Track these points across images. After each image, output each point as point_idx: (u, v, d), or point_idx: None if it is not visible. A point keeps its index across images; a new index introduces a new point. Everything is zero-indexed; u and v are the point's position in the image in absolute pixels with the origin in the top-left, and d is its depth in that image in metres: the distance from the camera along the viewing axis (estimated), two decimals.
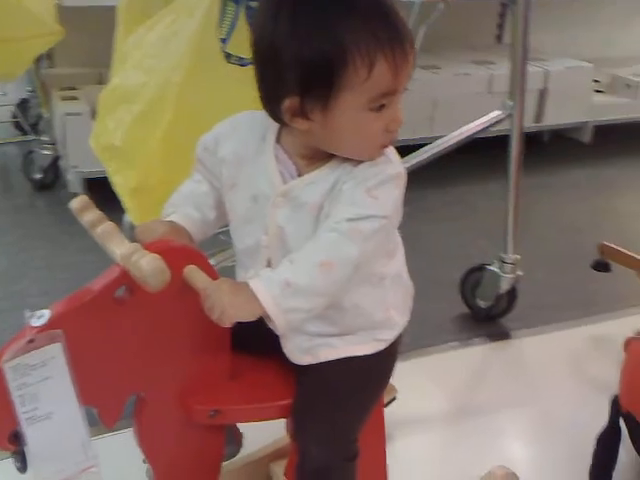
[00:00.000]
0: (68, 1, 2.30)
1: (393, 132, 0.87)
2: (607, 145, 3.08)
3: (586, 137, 3.06)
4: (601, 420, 1.29)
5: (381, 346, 0.98)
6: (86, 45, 2.60)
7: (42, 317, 0.81)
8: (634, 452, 1.31)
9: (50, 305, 0.84)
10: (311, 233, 0.88)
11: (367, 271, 0.91)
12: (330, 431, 0.95)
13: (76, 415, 0.85)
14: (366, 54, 0.81)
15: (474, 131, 1.66)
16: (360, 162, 0.89)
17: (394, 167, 0.89)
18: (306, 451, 0.95)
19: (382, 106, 0.85)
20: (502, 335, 1.79)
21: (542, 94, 2.88)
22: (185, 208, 0.98)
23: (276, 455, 1.26)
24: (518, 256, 1.75)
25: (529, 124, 2.80)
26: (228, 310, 0.82)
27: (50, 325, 0.81)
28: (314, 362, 0.96)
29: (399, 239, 0.98)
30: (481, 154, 2.39)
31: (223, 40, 1.31)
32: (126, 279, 0.84)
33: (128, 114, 1.41)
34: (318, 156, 0.90)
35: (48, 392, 0.82)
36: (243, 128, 0.97)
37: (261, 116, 0.94)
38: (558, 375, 1.66)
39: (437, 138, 1.66)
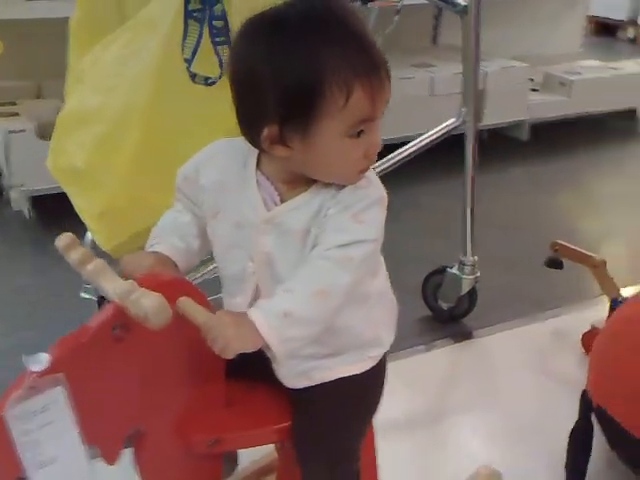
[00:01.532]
0: (3, 14, 2.25)
1: (372, 157, 0.89)
2: (544, 142, 3.19)
3: (524, 135, 3.16)
4: (570, 412, 1.34)
5: (372, 363, 0.99)
6: (23, 58, 2.54)
7: (41, 362, 0.80)
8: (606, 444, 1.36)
9: (48, 348, 0.82)
10: (298, 258, 0.89)
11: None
12: (334, 452, 0.97)
13: (80, 456, 0.84)
14: (343, 83, 0.83)
15: (431, 139, 1.70)
16: (342, 186, 0.89)
17: (376, 190, 0.91)
18: (311, 473, 0.97)
19: (361, 132, 0.86)
20: (465, 335, 1.84)
21: (480, 94, 2.95)
22: (169, 238, 0.97)
23: (265, 470, 1.27)
24: (476, 257, 1.80)
25: None
26: (232, 342, 0.82)
27: (51, 370, 0.79)
28: (309, 385, 0.96)
29: (381, 257, 0.99)
30: (432, 155, 2.44)
31: (187, 60, 1.30)
32: (122, 316, 0.83)
33: (89, 136, 1.38)
34: (299, 180, 0.91)
35: (51, 436, 0.81)
36: (222, 155, 0.97)
37: (240, 143, 0.94)
38: (523, 371, 1.71)
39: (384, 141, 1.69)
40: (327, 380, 0.97)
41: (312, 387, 0.97)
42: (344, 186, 0.90)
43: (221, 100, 1.33)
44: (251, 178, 0.93)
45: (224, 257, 0.97)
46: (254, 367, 0.95)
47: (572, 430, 1.35)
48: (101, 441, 0.87)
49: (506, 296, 2.01)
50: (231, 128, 1.37)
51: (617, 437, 1.25)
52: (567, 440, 1.34)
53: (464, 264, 1.79)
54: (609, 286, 1.76)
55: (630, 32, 5.52)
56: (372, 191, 0.90)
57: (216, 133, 1.35)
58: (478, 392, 1.61)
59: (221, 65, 1.30)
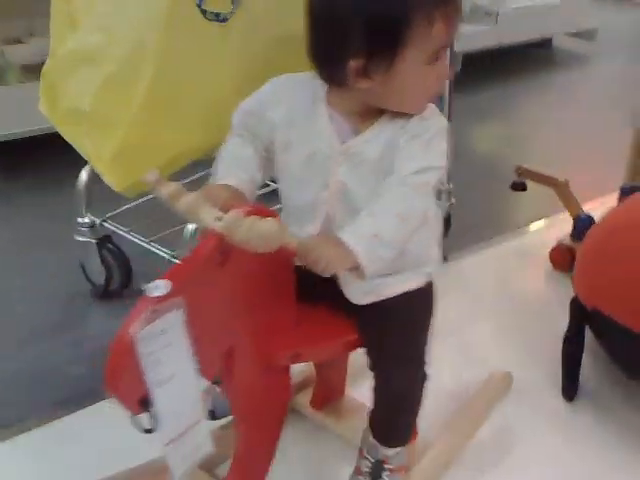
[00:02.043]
0: None
1: (443, 82, 1.00)
2: (475, 73, 3.31)
3: (457, 67, 3.26)
4: (551, 321, 1.49)
5: (427, 278, 1.10)
6: None
7: (159, 287, 0.85)
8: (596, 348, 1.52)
9: (162, 275, 0.87)
10: (371, 186, 0.97)
11: None
12: (408, 355, 1.07)
13: (192, 374, 0.90)
14: (427, 12, 0.90)
15: None
16: (409, 117, 0.97)
17: (440, 120, 1.00)
18: (387, 378, 1.07)
19: (436, 59, 0.94)
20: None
21: None
22: (235, 171, 1.02)
23: (299, 386, 1.37)
24: (452, 185, 1.91)
25: None
26: (333, 261, 0.89)
27: (171, 294, 0.85)
28: (372, 301, 1.05)
29: None
30: None
31: None
32: (223, 243, 0.89)
33: (93, 76, 1.39)
34: (369, 113, 0.98)
35: (170, 356, 0.87)
36: (289, 91, 1.03)
37: (304, 78, 1.01)
38: (500, 289, 1.85)
39: None
40: (390, 296, 1.06)
41: (377, 302, 1.06)
42: (410, 117, 0.97)
43: (233, 37, 1.38)
44: (322, 112, 0.99)
45: (294, 188, 1.03)
46: (313, 290, 1.04)
47: (565, 338, 1.49)
48: (202, 359, 0.92)
49: (473, 220, 2.13)
50: (242, 65, 1.41)
51: (615, 336, 1.40)
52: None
53: (440, 191, 1.90)
54: (572, 204, 1.91)
55: None
56: (436, 121, 0.99)
57: (228, 70, 1.40)
58: (460, 312, 1.70)
59: (233, 1, 1.32)
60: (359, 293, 1.06)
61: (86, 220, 1.70)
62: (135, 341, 0.82)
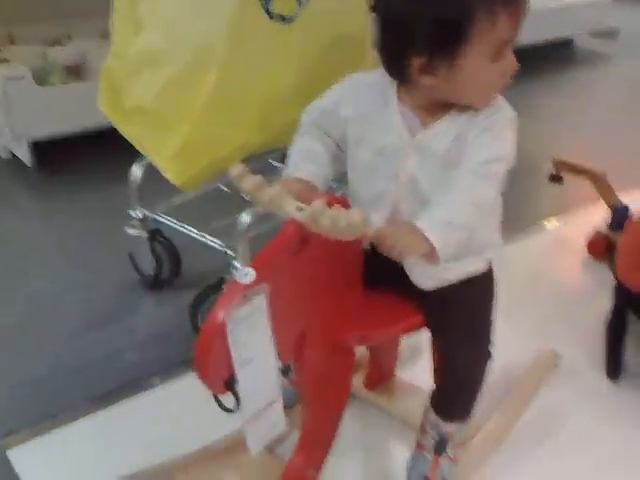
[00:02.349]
0: None
1: (510, 76, 1.00)
2: None
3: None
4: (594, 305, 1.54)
5: (488, 263, 1.14)
6: None
7: (248, 274, 0.91)
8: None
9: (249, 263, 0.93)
10: (438, 178, 1.02)
11: None
12: (473, 335, 1.12)
13: (272, 355, 0.96)
14: (489, 9, 0.93)
15: None
16: (478, 110, 1.01)
17: (508, 111, 1.04)
18: (452, 361, 1.11)
19: (501, 56, 0.97)
20: None
21: None
22: (307, 165, 1.07)
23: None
24: None
25: None
26: (409, 247, 0.94)
27: (258, 281, 0.91)
28: (438, 285, 1.10)
29: None
30: None
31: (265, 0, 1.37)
32: (302, 232, 0.95)
33: (159, 77, 1.45)
34: (438, 107, 1.02)
35: (253, 339, 0.93)
36: (362, 89, 1.07)
37: (376, 76, 1.06)
38: (540, 276, 1.90)
39: None
40: (453, 280, 1.10)
41: (444, 287, 1.10)
42: (479, 111, 1.01)
43: (295, 38, 1.44)
44: (393, 108, 1.04)
45: (364, 180, 1.08)
46: (379, 276, 1.10)
47: (608, 321, 1.54)
48: (279, 342, 0.98)
49: (514, 212, 2.16)
50: (302, 65, 1.46)
51: None
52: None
53: None
54: (609, 194, 1.95)
55: None
56: (505, 113, 1.03)
57: (287, 70, 1.45)
58: (503, 298, 1.73)
59: (299, 2, 1.38)
60: (424, 277, 1.10)
61: (138, 214, 1.76)
62: (226, 324, 0.88)
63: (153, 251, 1.79)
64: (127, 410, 1.43)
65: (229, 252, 1.58)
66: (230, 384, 0.92)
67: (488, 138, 1.00)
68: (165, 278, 1.83)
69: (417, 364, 1.48)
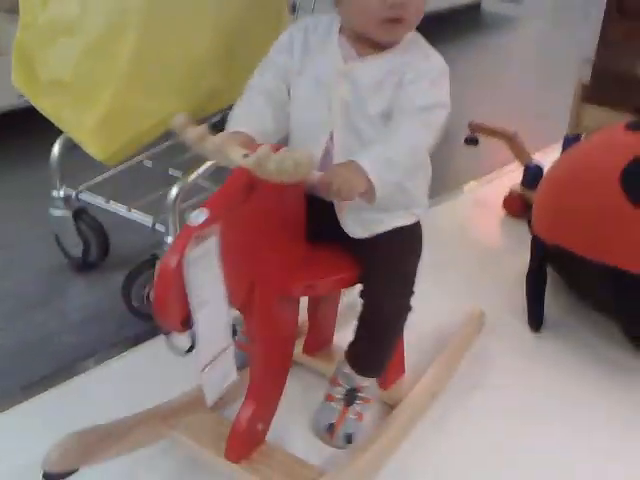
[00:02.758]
0: None
1: (394, 7, 1.01)
2: None
3: None
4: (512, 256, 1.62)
5: (415, 219, 1.20)
6: None
7: (200, 215, 0.93)
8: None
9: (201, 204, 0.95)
10: (369, 108, 1.06)
11: None
12: (397, 286, 1.17)
13: (224, 299, 0.97)
14: None
15: None
16: (414, 54, 1.06)
17: (443, 61, 1.08)
18: (378, 305, 1.16)
19: None
20: None
21: None
22: (247, 121, 1.08)
23: None
24: None
25: None
26: (355, 186, 0.98)
27: (210, 222, 0.93)
28: (368, 235, 1.15)
29: None
30: None
31: None
32: (251, 180, 0.97)
33: (73, 48, 1.42)
34: (370, 43, 1.07)
35: (207, 280, 0.94)
36: (310, 24, 1.13)
37: (328, 16, 1.12)
38: (463, 235, 1.98)
39: None
40: (383, 231, 1.15)
41: (374, 237, 1.15)
42: (415, 55, 1.06)
43: (214, 1, 1.42)
44: (333, 39, 1.09)
45: (302, 110, 1.11)
46: (317, 229, 1.14)
47: (528, 274, 1.62)
48: (230, 288, 1.00)
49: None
50: (219, 28, 1.46)
51: (574, 267, 1.53)
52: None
53: None
54: (522, 154, 2.04)
55: None
56: (440, 62, 1.08)
57: (205, 34, 1.45)
58: (426, 258, 1.81)
59: None
60: (356, 226, 1.15)
61: (61, 193, 1.73)
62: (182, 265, 0.90)
63: (79, 231, 1.77)
64: (63, 394, 1.41)
65: (158, 227, 1.58)
66: (187, 324, 0.94)
67: (426, 84, 1.04)
68: (93, 259, 1.81)
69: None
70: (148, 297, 1.58)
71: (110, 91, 1.40)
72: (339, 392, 1.24)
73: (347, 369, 1.23)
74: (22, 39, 1.50)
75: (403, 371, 1.37)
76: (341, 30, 1.10)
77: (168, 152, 1.86)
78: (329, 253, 1.19)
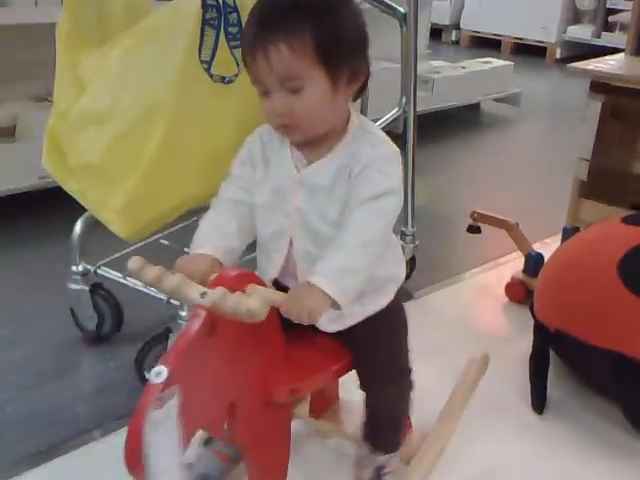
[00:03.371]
0: None
1: (278, 115, 1.04)
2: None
3: (400, 128, 3.51)
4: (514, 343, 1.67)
5: (390, 297, 1.18)
6: None
7: (160, 374, 0.91)
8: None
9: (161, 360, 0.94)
10: (326, 211, 1.07)
11: None
12: (393, 367, 1.19)
13: (180, 469, 0.94)
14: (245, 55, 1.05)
15: (381, 126, 1.96)
16: (360, 146, 1.06)
17: (391, 146, 1.08)
18: (379, 395, 1.19)
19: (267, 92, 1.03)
20: (407, 296, 2.11)
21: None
22: (213, 240, 1.10)
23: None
24: (415, 228, 2.09)
25: None
26: (314, 311, 0.97)
27: (169, 382, 0.91)
28: (342, 328, 1.14)
29: None
30: None
31: (206, 62, 1.47)
32: (211, 316, 0.96)
33: (103, 135, 1.51)
34: (323, 144, 1.08)
35: (166, 447, 0.91)
36: (265, 135, 1.14)
37: None
38: (466, 320, 2.02)
39: None
40: (355, 323, 1.14)
41: (350, 328, 1.14)
42: (362, 147, 1.05)
43: (234, 96, 1.54)
44: (286, 149, 1.10)
45: (263, 220, 1.13)
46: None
47: (531, 357, 1.67)
48: (209, 422, 1.03)
49: (430, 261, 2.30)
50: (241, 121, 1.56)
51: (578, 351, 1.58)
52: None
53: (405, 234, 2.08)
54: (523, 243, 2.12)
55: (454, 35, 6.20)
56: (387, 147, 1.08)
57: (228, 126, 1.55)
58: (429, 342, 1.78)
59: (237, 64, 1.49)
60: (329, 324, 1.14)
61: (80, 268, 1.79)
62: (146, 429, 0.88)
63: (95, 305, 1.82)
64: (71, 463, 1.44)
65: (172, 301, 1.63)
66: None
67: (373, 173, 1.04)
68: (106, 332, 1.86)
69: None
70: None
71: (137, 176, 1.48)
72: (367, 474, 1.27)
73: (367, 451, 1.26)
74: (54, 125, 1.59)
75: (410, 425, 1.39)
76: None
77: (183, 232, 1.94)
78: (309, 346, 1.17)
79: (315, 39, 0.99)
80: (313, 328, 1.11)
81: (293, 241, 1.10)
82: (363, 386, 1.21)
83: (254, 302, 0.93)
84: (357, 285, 1.03)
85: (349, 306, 1.06)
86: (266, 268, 1.15)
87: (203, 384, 0.97)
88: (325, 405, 1.48)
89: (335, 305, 1.00)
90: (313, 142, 1.08)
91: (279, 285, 1.14)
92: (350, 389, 1.28)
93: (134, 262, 0.99)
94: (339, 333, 1.16)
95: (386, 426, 1.26)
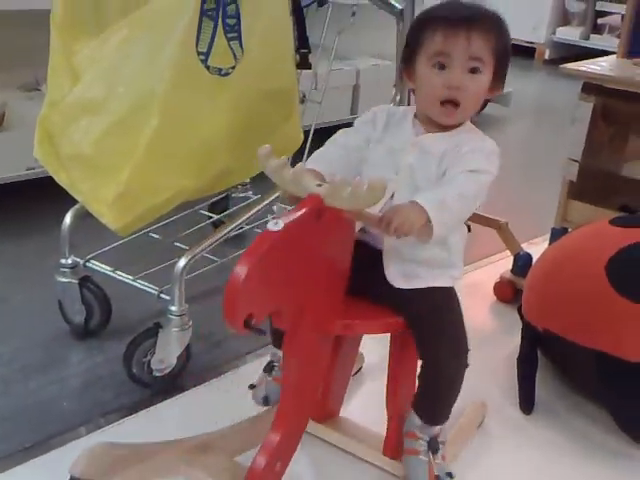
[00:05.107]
0: None
1: (451, 89, 1.21)
2: None
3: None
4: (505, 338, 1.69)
5: (452, 282, 1.32)
6: None
7: (278, 224, 1.05)
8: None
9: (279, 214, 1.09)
10: (432, 173, 1.23)
11: None
12: (457, 345, 1.28)
13: None
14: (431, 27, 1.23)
15: None
16: (471, 135, 1.26)
17: (495, 145, 1.28)
18: (439, 361, 1.26)
19: (442, 66, 1.21)
20: None
21: (355, 89, 3.28)
22: (320, 165, 1.24)
23: None
24: None
25: (346, 116, 3.20)
26: (415, 223, 1.12)
27: (285, 231, 1.04)
28: (408, 287, 1.25)
29: None
30: None
31: (203, 53, 1.45)
32: (320, 207, 1.10)
33: (96, 126, 1.50)
34: (437, 125, 1.26)
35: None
36: (391, 110, 1.34)
37: (403, 107, 1.41)
38: None
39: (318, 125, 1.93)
40: (422, 287, 1.26)
41: (413, 294, 1.25)
42: (473, 136, 1.26)
43: (230, 89, 1.53)
44: (409, 120, 1.30)
45: (373, 171, 1.27)
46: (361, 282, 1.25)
47: (519, 357, 1.68)
48: (282, 306, 1.11)
49: None
50: (236, 115, 1.56)
51: (566, 352, 1.59)
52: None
53: None
54: (512, 243, 2.13)
55: None
56: (493, 144, 1.28)
57: (222, 119, 1.54)
58: None
59: (235, 57, 1.48)
60: (398, 277, 1.26)
61: (69, 261, 1.77)
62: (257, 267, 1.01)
63: (83, 299, 1.80)
64: (57, 459, 1.41)
65: (163, 295, 1.63)
66: (248, 323, 1.02)
67: (480, 156, 1.22)
68: (94, 326, 1.84)
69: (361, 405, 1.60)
70: (149, 365, 1.61)
71: (129, 167, 1.46)
72: (421, 445, 1.32)
73: (418, 421, 1.31)
74: (47, 115, 1.57)
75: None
76: (415, 115, 1.30)
77: (173, 225, 1.93)
78: (369, 303, 1.29)
79: (495, 40, 1.23)
80: (374, 289, 1.26)
81: (395, 194, 1.24)
82: (425, 356, 1.28)
83: (375, 180, 1.05)
84: (448, 223, 1.17)
85: (420, 269, 1.25)
86: None
87: (295, 262, 1.08)
88: (327, 414, 1.49)
89: (428, 231, 1.13)
90: (435, 122, 1.26)
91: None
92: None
93: (264, 149, 1.11)
94: (397, 300, 1.26)
95: (442, 398, 1.31)
